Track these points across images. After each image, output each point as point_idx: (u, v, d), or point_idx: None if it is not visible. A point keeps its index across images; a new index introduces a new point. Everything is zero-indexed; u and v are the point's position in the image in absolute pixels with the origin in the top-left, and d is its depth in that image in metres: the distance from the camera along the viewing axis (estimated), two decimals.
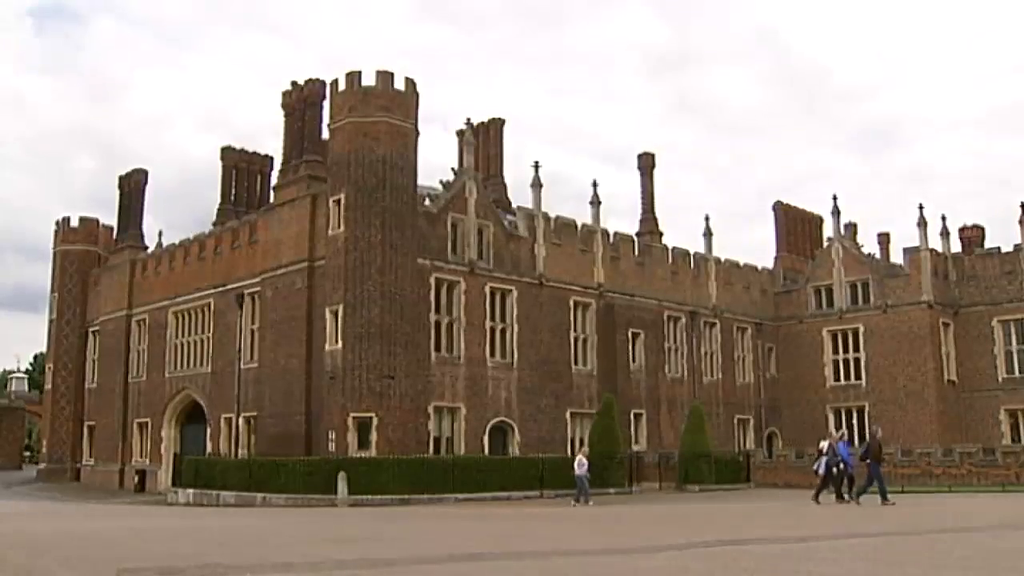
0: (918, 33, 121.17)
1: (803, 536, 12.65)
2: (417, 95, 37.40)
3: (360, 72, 36.25)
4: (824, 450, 25.71)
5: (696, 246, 50.45)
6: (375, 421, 33.85)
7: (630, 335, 44.57)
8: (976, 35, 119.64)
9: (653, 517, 20.68)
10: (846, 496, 24.83)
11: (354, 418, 33.88)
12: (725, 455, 43.71)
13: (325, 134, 38.59)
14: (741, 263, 52.73)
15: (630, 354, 44.48)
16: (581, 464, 29.84)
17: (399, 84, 36.68)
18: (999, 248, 50.52)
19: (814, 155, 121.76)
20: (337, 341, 34.90)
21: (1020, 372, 48.05)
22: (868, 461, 24.00)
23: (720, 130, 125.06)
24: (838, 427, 50.04)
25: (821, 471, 25.43)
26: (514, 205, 44.43)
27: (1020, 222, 48.75)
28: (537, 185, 42.85)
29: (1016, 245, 48.96)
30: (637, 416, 44.22)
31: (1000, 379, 48.46)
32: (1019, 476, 35.71)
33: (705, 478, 39.16)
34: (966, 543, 11.25)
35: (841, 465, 25.08)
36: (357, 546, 12.19)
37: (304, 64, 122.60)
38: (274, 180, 44.78)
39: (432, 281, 37.96)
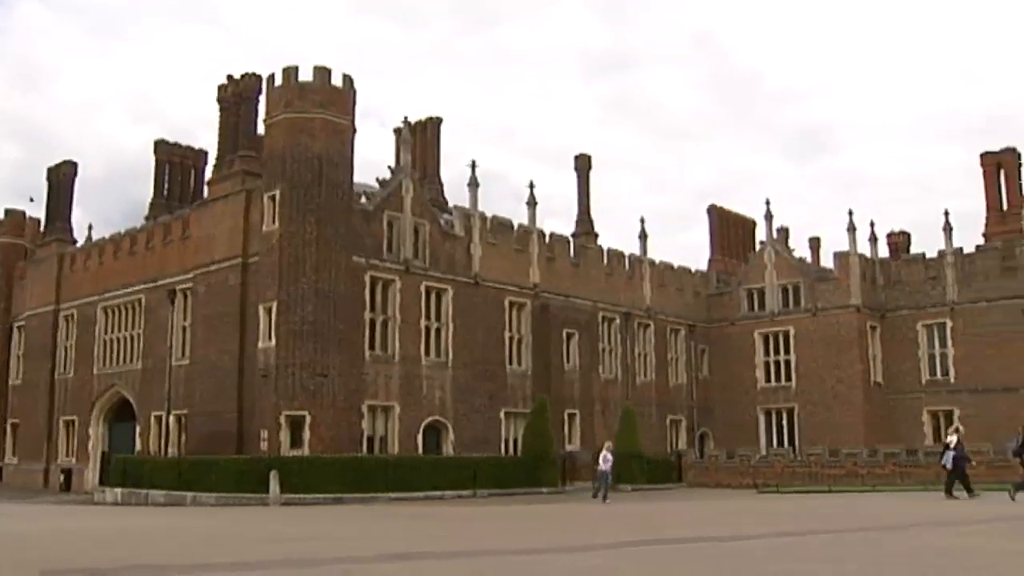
0: (851, 40, 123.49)
1: (735, 535, 12.85)
2: (354, 91, 37.21)
3: (297, 67, 35.97)
4: (952, 444, 25.21)
5: (631, 248, 50.90)
6: (308, 420, 33.60)
7: (565, 335, 44.80)
8: (906, 44, 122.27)
9: (585, 516, 20.81)
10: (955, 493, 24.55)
11: (287, 416, 33.59)
12: (658, 455, 44.15)
13: (261, 129, 38.22)
14: (675, 265, 53.29)
15: (564, 354, 44.70)
16: (607, 459, 30.00)
17: (336, 80, 36.47)
18: (924, 254, 51.70)
19: (748, 159, 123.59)
20: (270, 338, 34.60)
21: (942, 375, 49.21)
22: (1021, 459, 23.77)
23: (657, 132, 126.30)
24: (768, 429, 50.97)
25: (949, 465, 24.94)
26: (450, 204, 44.40)
27: (944, 229, 49.96)
28: (474, 184, 42.87)
29: (940, 251, 50.15)
30: (571, 416, 44.43)
31: (923, 381, 49.60)
32: (939, 476, 36.44)
33: (637, 478, 39.55)
34: (894, 540, 11.51)
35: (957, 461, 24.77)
36: (285, 546, 12.10)
37: (240, 58, 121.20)
38: (208, 175, 44.26)
39: (367, 279, 37.78)
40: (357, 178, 37.92)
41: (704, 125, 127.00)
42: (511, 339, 43.57)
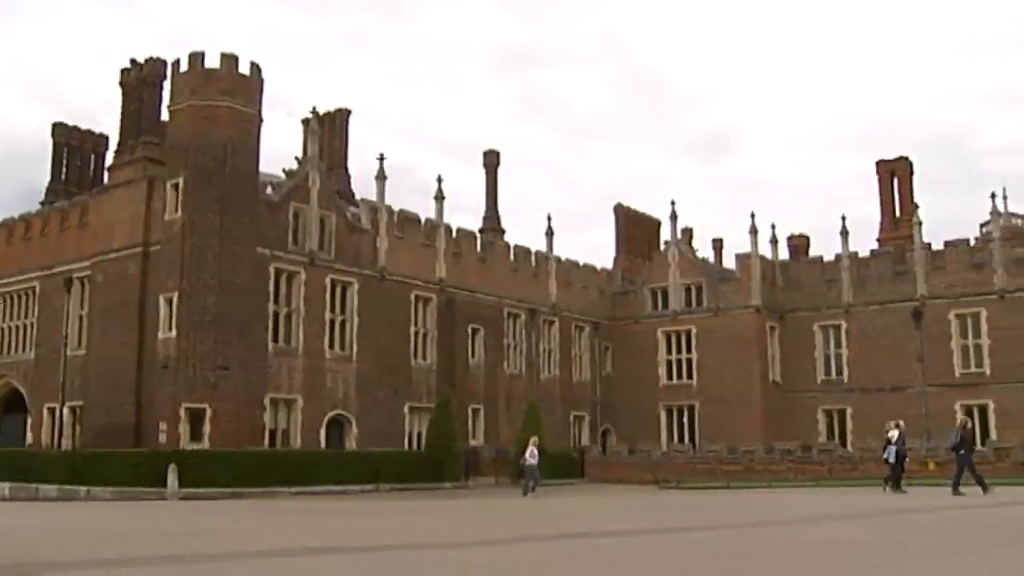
0: (756, 47, 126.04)
1: (636, 529, 13.05)
2: (262, 80, 36.73)
3: (203, 53, 35.35)
4: (894, 439, 25.93)
5: (538, 245, 51.24)
6: (209, 412, 33.08)
7: (470, 331, 44.90)
8: (808, 53, 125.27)
9: (487, 511, 20.92)
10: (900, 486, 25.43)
11: (187, 409, 33.03)
12: (560, 451, 44.51)
13: (165, 115, 37.47)
14: (581, 263, 53.80)
15: (470, 350, 44.81)
16: (533, 454, 30.15)
17: (244, 68, 35.96)
18: (822, 257, 53.14)
19: (655, 159, 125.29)
20: (171, 329, 33.97)
21: (836, 375, 50.68)
22: (961, 452, 24.51)
23: (566, 130, 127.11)
24: (669, 425, 51.82)
25: (892, 459, 25.74)
26: (358, 197, 44.12)
27: (841, 233, 51.41)
28: (382, 177, 42.64)
29: (837, 255, 51.61)
30: (475, 411, 44.58)
31: (819, 381, 51.01)
32: (832, 472, 37.66)
33: (541, 473, 39.74)
34: (790, 534, 11.83)
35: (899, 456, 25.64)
36: (179, 541, 11.91)
37: (145, 41, 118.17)
38: (109, 160, 43.20)
39: (272, 271, 37.34)
40: (263, 168, 37.44)
41: (612, 125, 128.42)
42: (416, 333, 43.50)
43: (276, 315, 37.57)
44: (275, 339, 37.28)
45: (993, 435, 42.78)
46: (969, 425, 25.99)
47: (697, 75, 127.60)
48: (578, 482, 41.50)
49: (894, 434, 26.25)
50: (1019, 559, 8.37)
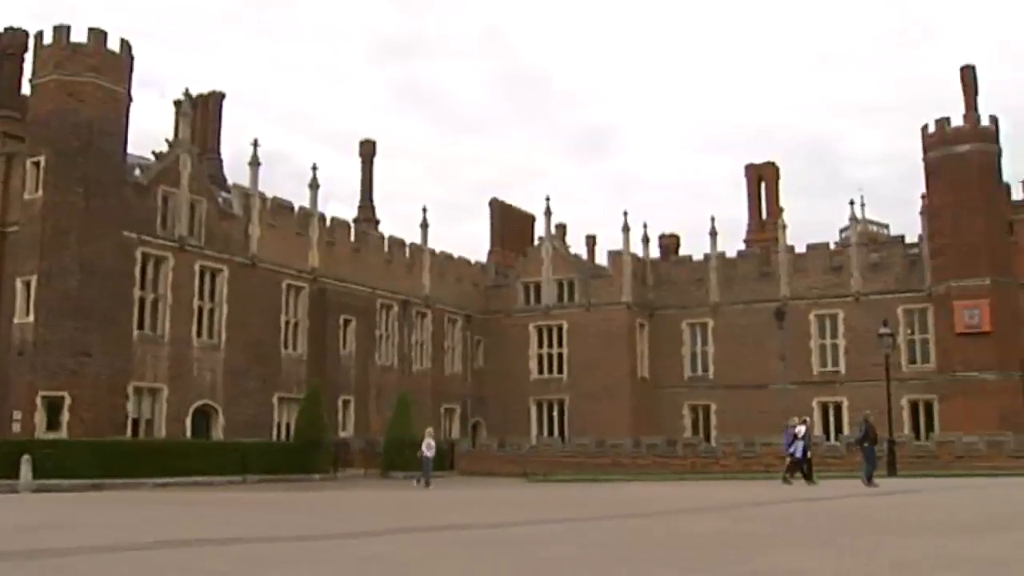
0: (634, 50, 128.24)
1: (504, 521, 13.16)
2: (132, 58, 35.67)
3: (69, 27, 34.11)
4: (800, 434, 26.63)
5: (413, 236, 51.14)
6: (68, 401, 32.01)
7: (342, 321, 44.50)
8: (683, 57, 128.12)
9: (356, 502, 20.80)
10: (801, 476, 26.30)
11: (43, 397, 31.87)
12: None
13: (26, 89, 35.99)
14: (455, 255, 53.87)
15: (341, 340, 44.41)
16: (430, 446, 29.99)
17: (113, 44, 34.83)
18: (691, 256, 54.51)
19: (531, 155, 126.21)
20: (28, 314, 32.73)
21: (702, 371, 52.09)
22: (865, 444, 25.51)
23: (445, 123, 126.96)
24: (539, 419, 52.38)
25: (798, 454, 26.44)
26: (230, 182, 43.25)
27: (710, 234, 52.84)
28: (255, 163, 41.85)
29: (706, 255, 53.01)
30: (346, 403, 44.21)
31: (686, 377, 52.34)
32: (695, 466, 38.71)
33: (410, 465, 39.69)
34: (659, 525, 12.12)
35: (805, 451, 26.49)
36: (28, 535, 11.46)
37: (3, 9, 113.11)
38: None
39: (138, 255, 36.28)
40: (132, 149, 36.42)
41: (492, 119, 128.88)
42: (287, 323, 42.89)
43: (142, 301, 36.52)
44: (140, 326, 36.25)
45: (846, 431, 44.63)
46: (872, 418, 27.38)
47: (576, 73, 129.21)
48: (447, 475, 41.56)
49: (801, 429, 27.24)
50: (861, 546, 8.80)
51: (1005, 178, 46.83)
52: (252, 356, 40.44)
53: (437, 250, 52.42)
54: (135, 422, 35.75)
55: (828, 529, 11.73)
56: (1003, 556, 8.35)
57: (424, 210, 51.66)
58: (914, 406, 46.41)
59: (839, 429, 46.40)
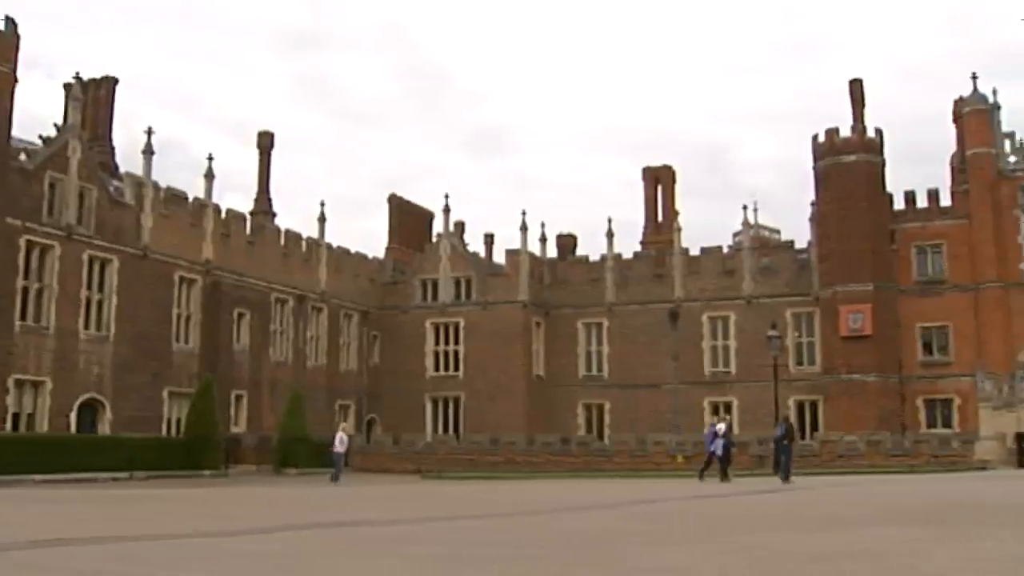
0: (534, 50, 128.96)
1: (396, 519, 13.17)
2: (18, 37, 34.60)
3: None
4: (721, 432, 27.41)
5: (310, 230, 50.61)
6: None
7: (236, 315, 43.81)
8: (582, 59, 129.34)
9: (245, 499, 20.53)
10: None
11: None
12: (325, 439, 44.06)
13: None
14: (352, 251, 53.52)
15: (235, 334, 43.72)
16: (343, 441, 29.76)
17: None
18: (588, 257, 55.18)
19: (433, 152, 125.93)
20: None
21: (597, 370, 52.76)
22: (784, 443, 26.13)
23: (345, 117, 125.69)
24: (435, 416, 52.36)
25: (719, 452, 27.03)
26: (122, 170, 42.17)
27: (607, 235, 53.57)
28: (149, 152, 40.90)
29: (602, 255, 53.72)
30: (239, 398, 43.55)
31: (580, 376, 52.94)
32: (587, 464, 39.21)
33: (303, 461, 39.38)
34: (546, 522, 12.26)
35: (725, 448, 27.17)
36: None
37: None
38: None
39: (22, 243, 35.12)
40: (17, 133, 35.17)
41: (392, 114, 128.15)
42: (179, 316, 42.04)
43: (25, 291, 35.37)
44: (23, 317, 35.10)
45: (736, 430, 45.69)
46: (791, 418, 28.43)
47: (477, 71, 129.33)
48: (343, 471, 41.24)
49: (721, 427, 28.21)
50: (745, 543, 9.08)
51: (888, 188, 48.64)
52: (142, 349, 39.52)
53: (334, 245, 52.00)
54: (15, 416, 34.61)
55: (711, 527, 12.05)
56: (879, 550, 8.72)
57: (322, 204, 51.26)
58: (800, 406, 47.82)
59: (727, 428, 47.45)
